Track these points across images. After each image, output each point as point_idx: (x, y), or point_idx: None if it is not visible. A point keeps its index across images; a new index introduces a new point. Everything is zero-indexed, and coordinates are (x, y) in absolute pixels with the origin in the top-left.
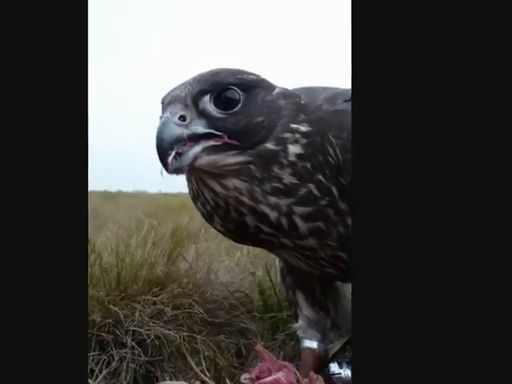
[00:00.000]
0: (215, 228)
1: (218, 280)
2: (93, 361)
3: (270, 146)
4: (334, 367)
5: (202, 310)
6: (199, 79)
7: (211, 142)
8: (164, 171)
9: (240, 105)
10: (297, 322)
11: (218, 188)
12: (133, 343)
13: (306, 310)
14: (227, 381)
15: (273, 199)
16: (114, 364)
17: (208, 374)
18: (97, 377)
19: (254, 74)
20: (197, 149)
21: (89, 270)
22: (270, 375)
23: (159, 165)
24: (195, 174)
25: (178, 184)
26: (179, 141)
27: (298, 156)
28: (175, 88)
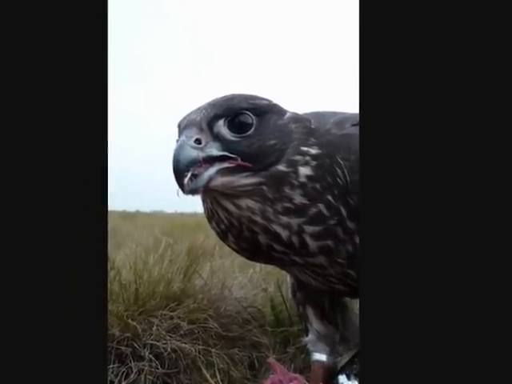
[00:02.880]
0: (229, 246)
1: (231, 296)
2: (112, 373)
3: (281, 167)
4: (342, 379)
5: (216, 325)
6: (214, 104)
7: (225, 164)
8: (180, 192)
9: (253, 128)
10: (307, 335)
11: (231, 208)
12: (150, 356)
13: (315, 325)
14: None
15: (284, 219)
16: (132, 376)
17: None
18: None
19: (266, 100)
20: (211, 170)
21: (108, 286)
22: None
23: (176, 186)
24: (210, 194)
25: (194, 204)
26: (195, 163)
27: (308, 177)
28: (191, 113)
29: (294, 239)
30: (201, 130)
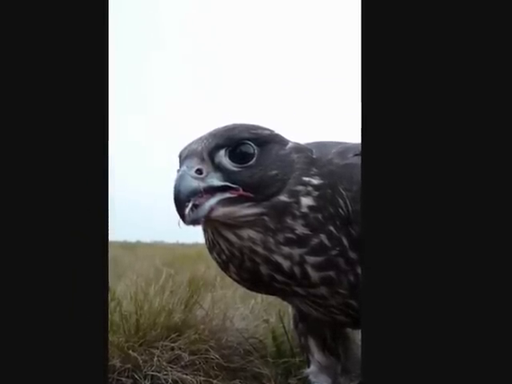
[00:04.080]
0: (230, 276)
1: (233, 327)
2: None
3: (283, 198)
4: None
5: (217, 356)
6: (215, 134)
7: (227, 195)
8: (181, 222)
9: (254, 159)
10: (309, 367)
11: (233, 238)
12: None
13: (317, 356)
14: None
15: (286, 249)
16: None
17: None
18: None
19: (267, 129)
20: (213, 201)
21: (109, 316)
22: None
23: (177, 216)
24: (211, 224)
25: (195, 234)
26: (196, 193)
27: (310, 208)
28: (192, 143)
29: (296, 270)
30: (202, 160)
